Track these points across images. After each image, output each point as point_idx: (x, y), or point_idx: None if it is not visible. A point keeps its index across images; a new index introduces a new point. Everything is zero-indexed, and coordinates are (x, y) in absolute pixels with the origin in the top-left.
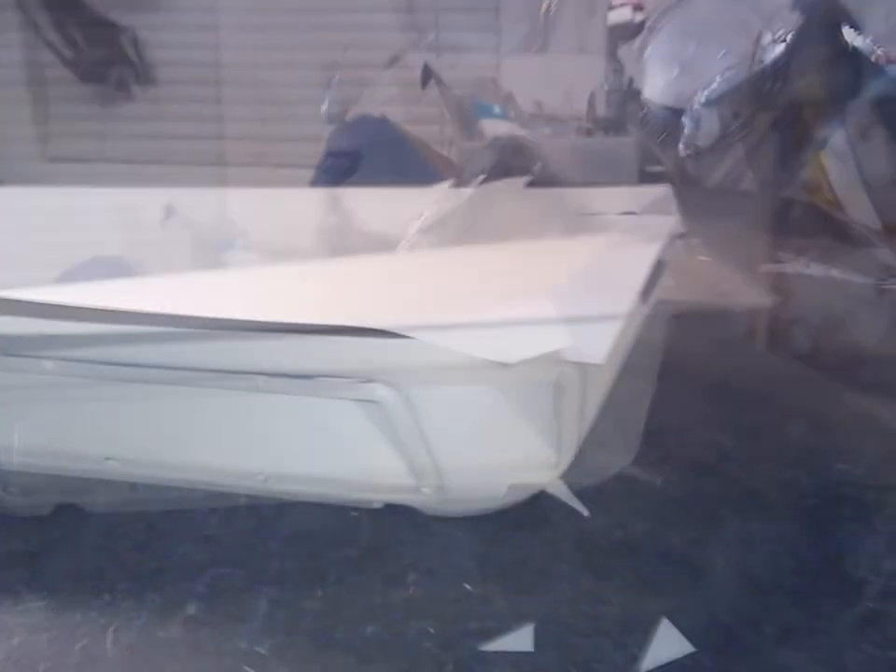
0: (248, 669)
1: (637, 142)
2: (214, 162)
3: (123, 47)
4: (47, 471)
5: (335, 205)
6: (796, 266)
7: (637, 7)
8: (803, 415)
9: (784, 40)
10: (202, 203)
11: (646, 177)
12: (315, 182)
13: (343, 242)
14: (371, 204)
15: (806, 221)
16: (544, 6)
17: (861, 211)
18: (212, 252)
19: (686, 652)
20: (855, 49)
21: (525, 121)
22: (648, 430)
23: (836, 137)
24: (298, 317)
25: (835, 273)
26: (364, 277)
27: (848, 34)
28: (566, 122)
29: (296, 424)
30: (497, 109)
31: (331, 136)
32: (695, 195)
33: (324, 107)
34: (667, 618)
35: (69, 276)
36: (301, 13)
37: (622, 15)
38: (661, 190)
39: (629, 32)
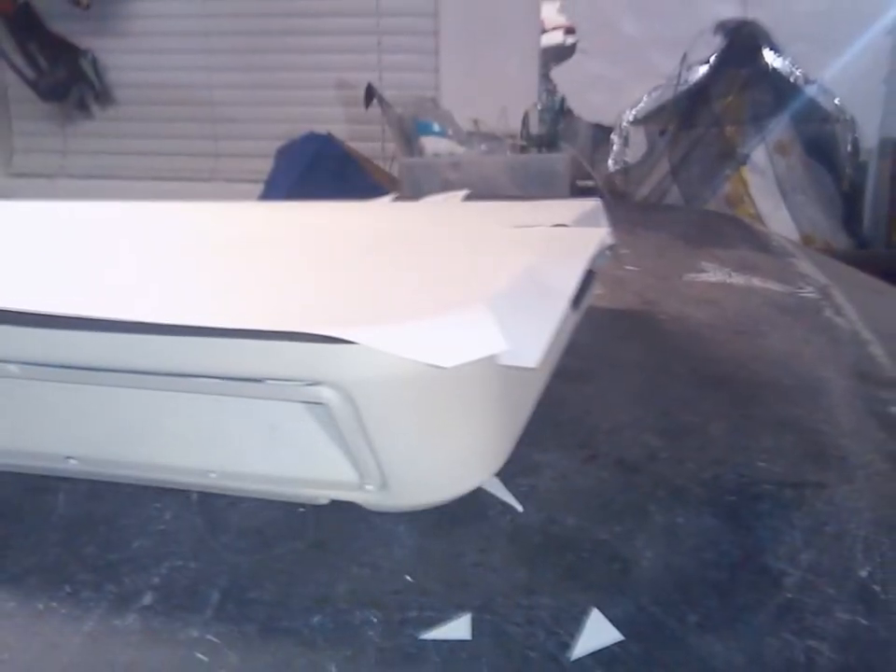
0: (200, 656)
1: (569, 158)
2: (169, 177)
3: (83, 69)
4: (3, 469)
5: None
6: (719, 275)
7: (569, 31)
8: (725, 417)
9: (707, 62)
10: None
11: (577, 191)
12: (264, 196)
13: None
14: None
15: (728, 233)
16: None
17: (779, 222)
18: None
19: (615, 640)
20: (775, 69)
21: (463, 139)
22: (580, 432)
23: (757, 153)
24: (247, 323)
25: (756, 281)
26: (307, 268)
27: (768, 55)
28: (501, 139)
29: (245, 424)
30: (436, 127)
31: (279, 153)
32: (624, 208)
33: None
34: (597, 608)
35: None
36: (249, 36)
37: (554, 38)
38: (591, 204)
39: (561, 54)
